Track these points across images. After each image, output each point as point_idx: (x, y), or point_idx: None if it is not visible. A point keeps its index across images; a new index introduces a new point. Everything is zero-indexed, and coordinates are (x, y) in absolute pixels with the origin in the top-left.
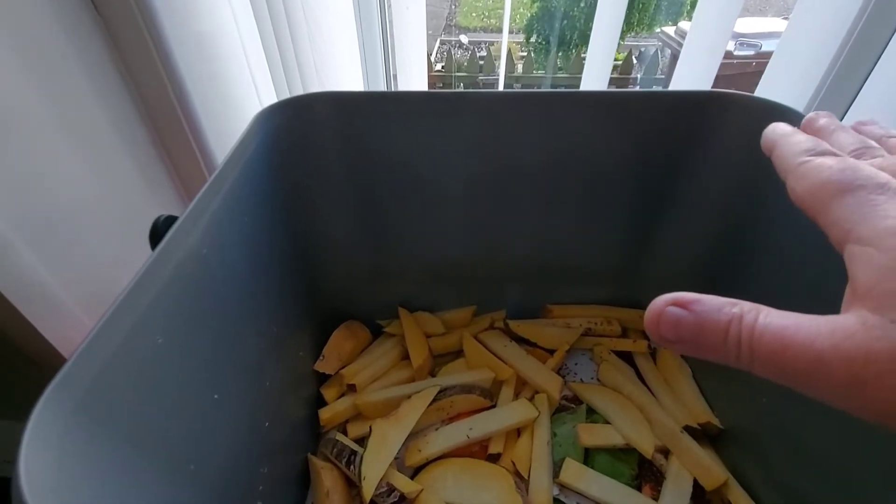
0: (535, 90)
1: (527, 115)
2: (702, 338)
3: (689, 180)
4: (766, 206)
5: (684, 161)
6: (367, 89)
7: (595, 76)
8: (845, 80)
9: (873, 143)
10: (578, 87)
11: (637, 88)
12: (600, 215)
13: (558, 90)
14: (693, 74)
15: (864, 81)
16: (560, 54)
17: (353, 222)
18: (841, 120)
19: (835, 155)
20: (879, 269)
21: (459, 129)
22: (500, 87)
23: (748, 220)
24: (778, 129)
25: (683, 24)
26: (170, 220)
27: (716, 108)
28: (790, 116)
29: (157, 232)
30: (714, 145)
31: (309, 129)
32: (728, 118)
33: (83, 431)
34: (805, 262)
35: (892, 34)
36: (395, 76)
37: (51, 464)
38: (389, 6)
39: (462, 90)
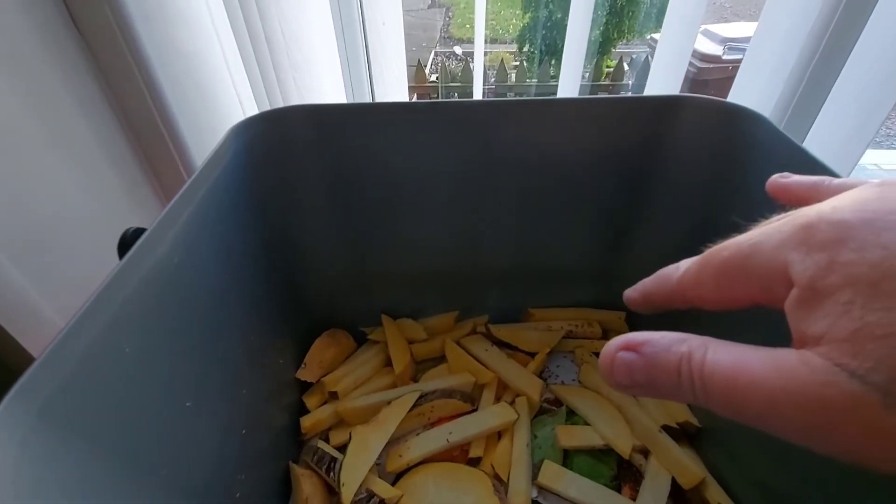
0: (505, 99)
1: (500, 123)
2: (656, 381)
3: (659, 182)
4: (730, 204)
5: (653, 163)
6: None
7: (569, 85)
8: (815, 82)
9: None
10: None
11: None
12: (577, 219)
13: (527, 98)
14: (667, 78)
15: (833, 83)
16: (553, 62)
17: (333, 232)
18: (813, 121)
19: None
20: (826, 317)
21: (434, 139)
22: (478, 97)
23: (716, 218)
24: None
25: None
26: (139, 232)
27: (677, 112)
28: (744, 116)
29: (126, 243)
30: (679, 147)
31: (284, 141)
32: (689, 121)
33: (46, 439)
34: None
35: (858, 37)
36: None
37: (10, 470)
38: (363, 23)
39: (435, 101)
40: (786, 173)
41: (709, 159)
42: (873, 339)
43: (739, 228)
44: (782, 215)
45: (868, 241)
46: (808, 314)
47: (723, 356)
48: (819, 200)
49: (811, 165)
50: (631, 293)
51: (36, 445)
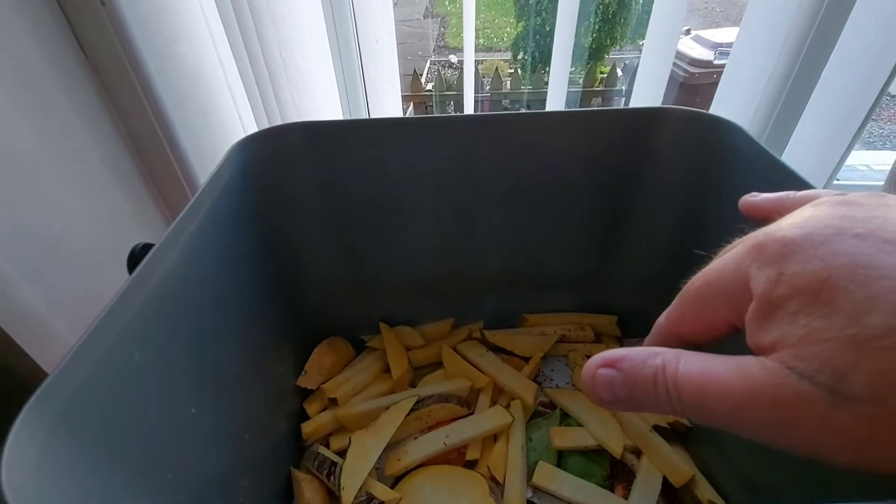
0: (489, 113)
1: (488, 135)
2: (635, 394)
3: (643, 190)
4: (711, 210)
5: (636, 173)
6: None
7: (557, 92)
8: (796, 88)
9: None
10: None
11: (612, 106)
12: (567, 226)
13: (514, 112)
14: (652, 83)
15: (813, 89)
16: (546, 70)
17: (331, 243)
18: (795, 125)
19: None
20: (774, 328)
21: (424, 151)
22: (469, 106)
23: (699, 223)
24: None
25: None
26: (147, 248)
27: (657, 123)
28: (721, 126)
29: (135, 259)
30: (660, 157)
31: (282, 156)
32: (669, 132)
33: (63, 444)
34: None
35: (836, 42)
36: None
37: (31, 475)
38: (358, 41)
39: (423, 116)
40: (754, 193)
41: (689, 168)
42: (818, 343)
43: (704, 259)
44: (738, 240)
45: (809, 253)
46: (763, 325)
47: (693, 365)
48: (784, 215)
49: (783, 173)
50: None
51: (55, 449)
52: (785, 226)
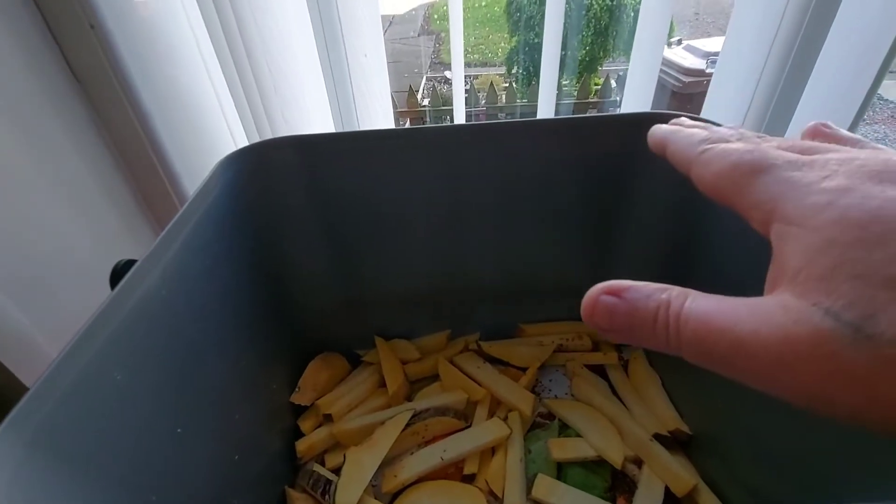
0: (476, 122)
1: (479, 145)
2: (634, 325)
3: (636, 195)
4: (701, 214)
5: (626, 179)
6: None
7: (546, 104)
8: (784, 94)
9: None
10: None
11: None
12: (560, 234)
13: (503, 121)
14: (640, 92)
15: (801, 94)
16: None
17: (323, 258)
18: (786, 131)
19: (731, 141)
20: (806, 251)
21: (417, 163)
22: (461, 119)
23: (694, 229)
24: (664, 127)
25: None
26: (130, 264)
27: (643, 129)
28: None
29: (117, 275)
30: (648, 162)
31: (271, 171)
32: None
33: (37, 467)
34: (739, 261)
35: (822, 45)
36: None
37: (3, 497)
38: (347, 56)
39: (410, 127)
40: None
41: (678, 173)
42: (851, 278)
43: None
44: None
45: (872, 192)
46: (792, 245)
47: (701, 304)
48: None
49: None
50: (657, 132)
51: (28, 472)
52: (853, 169)
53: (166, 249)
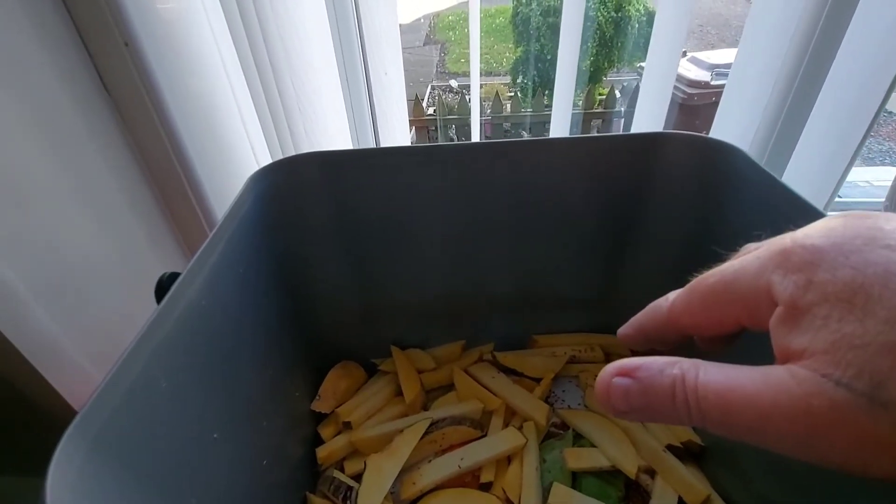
0: (495, 141)
1: (494, 162)
2: (652, 404)
3: (649, 213)
4: (715, 232)
5: (641, 196)
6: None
7: (561, 115)
8: (795, 109)
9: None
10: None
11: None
12: (574, 248)
13: (517, 140)
14: (654, 105)
15: (811, 109)
16: (546, 93)
17: (343, 269)
18: (795, 145)
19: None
20: (806, 331)
21: (435, 178)
22: (474, 129)
23: (703, 245)
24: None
25: None
26: (173, 277)
27: (660, 148)
28: (722, 150)
29: (163, 287)
30: (664, 181)
31: (297, 187)
32: (672, 156)
33: (96, 469)
34: None
35: (832, 63)
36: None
37: (70, 496)
38: (367, 74)
39: (434, 144)
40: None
41: (692, 191)
42: (852, 349)
43: (721, 258)
44: (759, 244)
45: (838, 262)
46: (791, 329)
47: (714, 376)
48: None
49: (785, 195)
50: (625, 330)
51: (90, 472)
52: (813, 233)
53: (206, 261)
